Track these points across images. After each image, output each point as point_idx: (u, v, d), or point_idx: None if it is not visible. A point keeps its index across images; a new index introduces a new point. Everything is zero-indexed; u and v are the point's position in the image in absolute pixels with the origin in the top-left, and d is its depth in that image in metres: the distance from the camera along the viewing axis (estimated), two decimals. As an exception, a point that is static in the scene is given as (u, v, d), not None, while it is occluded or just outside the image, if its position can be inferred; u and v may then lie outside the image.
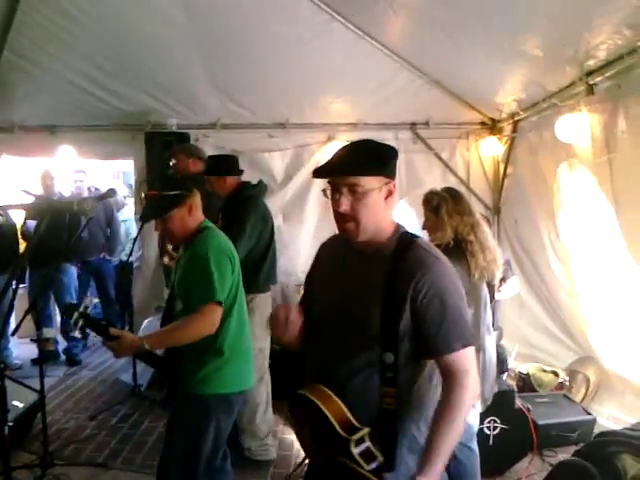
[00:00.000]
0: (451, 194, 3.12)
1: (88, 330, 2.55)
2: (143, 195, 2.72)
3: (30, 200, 3.02)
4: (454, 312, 1.72)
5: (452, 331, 1.70)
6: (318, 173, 1.82)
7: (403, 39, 4.88)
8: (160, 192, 2.60)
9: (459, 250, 2.98)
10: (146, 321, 5.40)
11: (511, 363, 5.19)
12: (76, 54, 5.01)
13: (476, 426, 3.26)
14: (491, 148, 5.86)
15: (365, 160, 1.74)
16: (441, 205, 3.06)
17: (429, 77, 5.26)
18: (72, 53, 4.99)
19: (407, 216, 6.24)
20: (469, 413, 2.73)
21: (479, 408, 3.12)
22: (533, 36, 3.71)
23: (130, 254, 5.16)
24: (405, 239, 1.81)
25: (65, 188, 6.44)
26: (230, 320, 2.62)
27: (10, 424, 3.22)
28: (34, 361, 5.94)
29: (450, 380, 1.71)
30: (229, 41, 4.89)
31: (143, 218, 2.91)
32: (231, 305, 2.63)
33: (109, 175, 9.13)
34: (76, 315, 2.50)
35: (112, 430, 4.53)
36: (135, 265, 5.85)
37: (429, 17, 4.07)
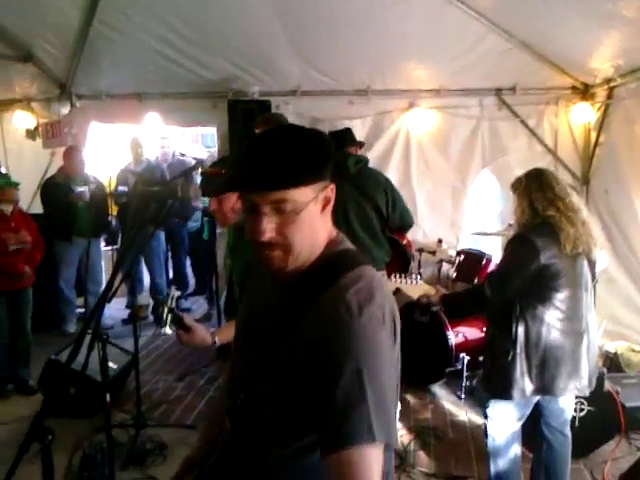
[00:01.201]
0: (528, 174, 3.02)
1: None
2: (202, 171, 2.65)
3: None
4: (355, 395, 1.12)
5: (344, 421, 1.11)
6: (231, 186, 1.39)
7: (492, 1, 4.66)
8: (220, 170, 2.53)
9: (546, 226, 2.89)
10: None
11: (598, 340, 5.02)
12: (160, 23, 5.11)
13: (570, 411, 3.19)
14: (582, 115, 5.57)
15: (296, 164, 1.21)
16: (517, 187, 3.00)
17: (517, 40, 5.02)
18: (156, 22, 5.10)
19: (490, 187, 6.10)
20: None
21: (578, 392, 3.05)
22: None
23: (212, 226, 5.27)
24: (332, 267, 1.27)
25: (151, 154, 6.63)
26: None
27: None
28: (124, 321, 6.26)
29: None
30: (310, 7, 4.83)
31: (203, 192, 2.83)
32: None
33: (188, 138, 9.30)
34: (166, 311, 2.41)
35: (199, 392, 4.71)
36: (218, 231, 5.97)
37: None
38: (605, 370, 4.00)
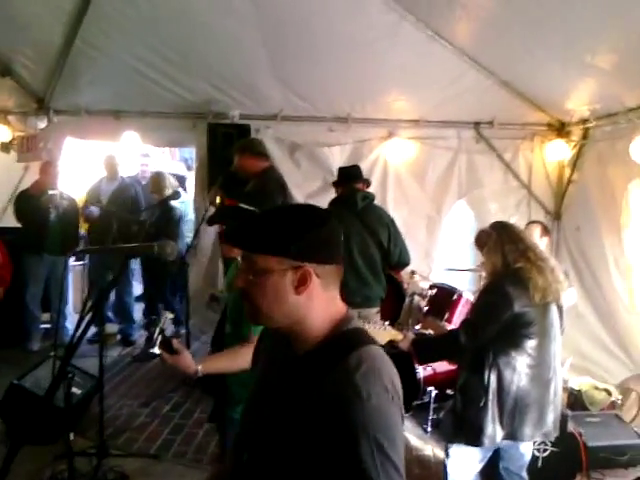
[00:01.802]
0: (495, 227, 3.13)
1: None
2: (219, 199, 2.70)
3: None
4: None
5: None
6: (226, 237, 1.59)
7: (475, 41, 4.75)
8: (237, 203, 2.63)
9: (515, 276, 2.96)
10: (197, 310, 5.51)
11: (564, 374, 5.11)
12: (142, 43, 5.10)
13: (528, 456, 3.26)
14: (557, 152, 5.68)
15: (261, 233, 1.34)
16: (487, 241, 3.08)
17: (497, 78, 5.12)
18: (138, 42, 5.09)
19: (465, 218, 6.18)
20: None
21: (544, 438, 3.12)
22: (616, 56, 3.55)
23: (188, 248, 5.26)
24: (339, 346, 1.33)
25: (130, 171, 6.58)
26: None
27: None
28: (90, 341, 6.18)
29: None
30: (294, 35, 4.87)
31: (212, 220, 2.87)
32: None
33: (167, 155, 9.24)
34: (157, 331, 2.48)
35: (164, 419, 4.65)
36: (191, 252, 5.94)
37: (507, 28, 3.95)
38: (569, 412, 4.07)
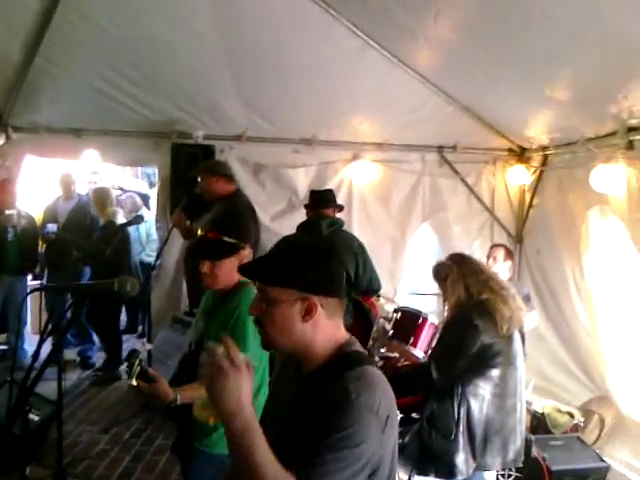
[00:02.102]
0: (455, 259, 3.19)
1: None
2: (200, 232, 2.66)
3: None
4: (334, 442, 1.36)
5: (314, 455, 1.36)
6: (241, 271, 1.64)
7: (438, 69, 4.82)
8: (220, 237, 2.57)
9: (480, 308, 2.99)
10: (160, 333, 5.39)
11: (527, 396, 5.15)
12: (103, 62, 5.00)
13: (493, 480, 3.28)
14: (518, 177, 5.79)
15: (274, 267, 1.51)
16: (448, 274, 3.10)
17: (459, 104, 5.20)
18: (100, 61, 4.99)
19: (428, 241, 6.22)
20: None
21: (513, 465, 3.12)
22: (574, 89, 3.64)
23: (153, 267, 5.16)
24: (338, 365, 1.49)
25: (84, 189, 6.45)
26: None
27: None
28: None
29: None
30: (258, 56, 4.84)
31: (197, 254, 2.82)
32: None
33: (129, 172, 9.10)
34: (137, 362, 2.36)
35: (125, 446, 4.55)
36: (154, 273, 5.84)
37: (469, 58, 4.01)
38: (532, 437, 4.10)
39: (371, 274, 4.44)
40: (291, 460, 1.35)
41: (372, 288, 4.55)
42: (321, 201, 4.55)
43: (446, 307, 3.22)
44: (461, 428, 2.91)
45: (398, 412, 4.41)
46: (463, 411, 2.92)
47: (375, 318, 4.78)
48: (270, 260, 1.56)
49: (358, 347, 1.57)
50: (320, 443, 1.36)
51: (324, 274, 1.52)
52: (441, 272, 3.14)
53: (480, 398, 2.94)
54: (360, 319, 4.49)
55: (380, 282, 4.61)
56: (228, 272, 2.55)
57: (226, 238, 2.55)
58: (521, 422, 3.12)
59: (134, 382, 2.35)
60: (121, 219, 5.98)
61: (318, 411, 1.41)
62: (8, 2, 4.30)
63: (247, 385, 1.33)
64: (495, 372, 2.98)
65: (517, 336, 3.12)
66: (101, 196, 6.00)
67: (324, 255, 1.55)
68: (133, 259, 6.22)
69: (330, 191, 4.79)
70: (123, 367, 5.73)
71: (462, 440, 2.91)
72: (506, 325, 2.96)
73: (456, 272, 3.06)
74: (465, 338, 2.93)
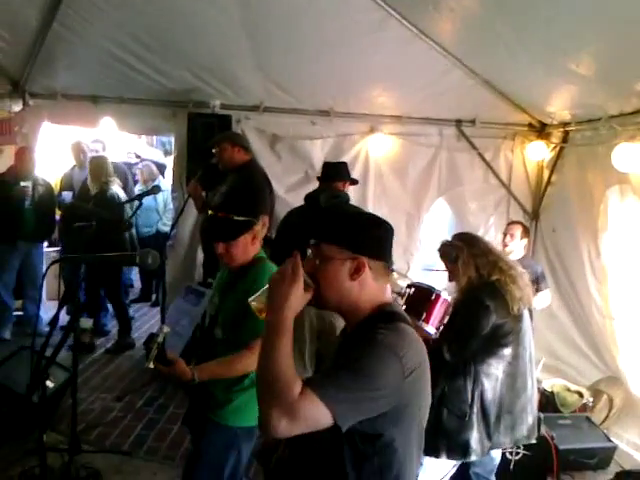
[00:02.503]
0: (464, 240, 3.13)
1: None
2: (210, 212, 2.64)
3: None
4: (354, 372, 1.45)
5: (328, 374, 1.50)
6: (308, 230, 1.75)
7: (460, 41, 4.71)
8: (231, 216, 2.53)
9: (491, 287, 2.97)
10: (174, 302, 5.42)
11: (537, 374, 5.16)
12: (121, 29, 4.95)
13: (498, 460, 3.31)
14: (537, 153, 5.71)
15: (328, 226, 1.66)
16: (458, 255, 3.06)
17: (480, 78, 5.09)
18: (117, 28, 4.94)
19: (444, 215, 6.19)
20: None
21: (525, 441, 3.15)
22: (599, 63, 3.56)
23: (168, 237, 5.17)
24: (375, 321, 1.58)
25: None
26: None
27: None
28: (63, 328, 6.07)
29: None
30: (278, 28, 4.78)
31: (210, 237, 2.80)
32: None
33: (142, 139, 9.07)
34: (155, 347, 2.39)
35: (137, 414, 4.61)
36: (169, 243, 5.87)
37: (492, 30, 3.93)
38: (541, 415, 4.11)
39: None
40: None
41: None
42: (333, 174, 4.51)
43: (454, 287, 3.20)
44: (475, 408, 2.91)
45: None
46: (477, 391, 2.92)
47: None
48: (326, 220, 1.68)
49: (399, 309, 1.68)
50: (336, 369, 1.48)
51: (373, 238, 1.63)
52: (450, 253, 3.10)
53: (493, 377, 2.94)
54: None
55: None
56: (243, 249, 2.55)
57: (236, 217, 2.51)
58: (532, 400, 3.14)
59: (151, 365, 2.38)
60: (117, 189, 5.89)
61: (346, 351, 1.54)
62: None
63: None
64: (507, 351, 2.98)
65: (526, 314, 3.13)
66: (95, 165, 5.91)
67: (374, 221, 1.69)
68: (131, 233, 6.16)
69: (343, 164, 4.74)
70: (141, 348, 5.76)
71: (476, 420, 2.92)
72: (517, 305, 2.95)
73: (467, 253, 3.02)
74: (477, 319, 2.92)
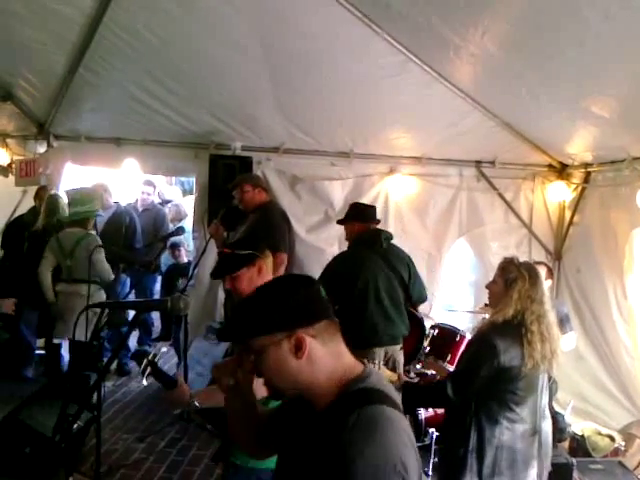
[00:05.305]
0: (530, 274, 2.94)
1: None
2: (217, 252, 2.81)
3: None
4: None
5: None
6: (221, 336, 1.75)
7: (480, 85, 4.75)
8: (232, 251, 2.70)
9: (518, 331, 2.86)
10: (195, 342, 5.39)
11: (567, 417, 5.03)
12: (144, 73, 5.09)
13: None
14: (558, 193, 5.68)
15: (244, 322, 1.49)
16: (517, 282, 2.91)
17: (500, 120, 5.12)
18: (141, 72, 5.09)
19: (464, 255, 6.15)
20: None
21: None
22: (623, 107, 3.57)
23: (190, 277, 5.19)
24: (348, 407, 1.38)
25: (126, 198, 6.51)
26: None
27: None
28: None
29: None
30: (299, 70, 4.87)
31: (214, 275, 2.93)
32: None
33: (163, 179, 9.17)
34: (145, 362, 2.44)
35: (160, 455, 4.56)
36: (190, 283, 5.86)
37: (513, 73, 3.96)
38: (574, 461, 4.00)
39: (419, 284, 4.59)
40: None
41: (421, 298, 4.69)
42: (371, 217, 4.65)
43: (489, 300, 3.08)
44: (470, 448, 2.83)
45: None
46: (474, 432, 2.83)
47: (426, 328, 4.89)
48: (239, 316, 1.52)
49: (374, 381, 1.46)
50: None
51: (298, 305, 1.44)
52: (511, 272, 2.92)
53: (494, 421, 2.83)
54: (415, 328, 4.66)
55: (426, 292, 4.76)
56: (248, 282, 2.64)
57: (237, 251, 2.67)
58: (542, 447, 2.98)
59: (144, 382, 2.44)
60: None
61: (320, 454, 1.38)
62: (56, 16, 4.38)
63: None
64: (515, 397, 2.85)
65: (541, 375, 3.00)
66: (50, 200, 5.64)
67: (288, 288, 1.48)
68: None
69: (374, 207, 4.86)
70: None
71: (470, 460, 2.83)
72: (531, 363, 2.82)
73: (527, 287, 2.86)
74: (481, 357, 2.82)
